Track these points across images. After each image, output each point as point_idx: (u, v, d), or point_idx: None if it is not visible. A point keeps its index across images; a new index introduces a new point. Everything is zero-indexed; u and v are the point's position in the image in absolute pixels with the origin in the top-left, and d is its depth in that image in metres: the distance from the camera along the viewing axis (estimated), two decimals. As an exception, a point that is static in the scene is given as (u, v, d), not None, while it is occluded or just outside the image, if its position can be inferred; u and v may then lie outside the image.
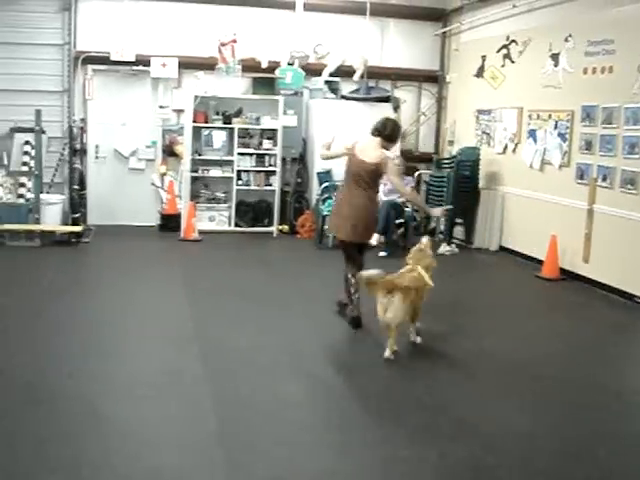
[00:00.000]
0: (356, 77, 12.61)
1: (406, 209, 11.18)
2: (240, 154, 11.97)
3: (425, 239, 6.93)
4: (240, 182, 12.08)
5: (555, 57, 9.93)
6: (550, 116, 10.01)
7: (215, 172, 12.09)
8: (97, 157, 12.46)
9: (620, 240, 8.64)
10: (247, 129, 12.12)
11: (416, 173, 12.38)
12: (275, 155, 12.08)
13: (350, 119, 12.01)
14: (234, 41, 11.85)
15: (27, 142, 11.46)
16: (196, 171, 11.95)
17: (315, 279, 9.12)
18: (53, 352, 6.04)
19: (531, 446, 4.63)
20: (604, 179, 8.90)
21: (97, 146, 12.43)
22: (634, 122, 8.41)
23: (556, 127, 9.87)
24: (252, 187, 12.20)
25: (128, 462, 4.17)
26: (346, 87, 12.64)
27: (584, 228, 9.20)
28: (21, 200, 11.32)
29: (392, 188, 11.14)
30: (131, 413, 4.88)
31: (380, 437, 4.65)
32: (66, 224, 11.39)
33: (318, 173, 11.98)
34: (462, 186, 11.28)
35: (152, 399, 5.15)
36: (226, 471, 4.12)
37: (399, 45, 13.14)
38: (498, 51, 11.40)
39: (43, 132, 11.07)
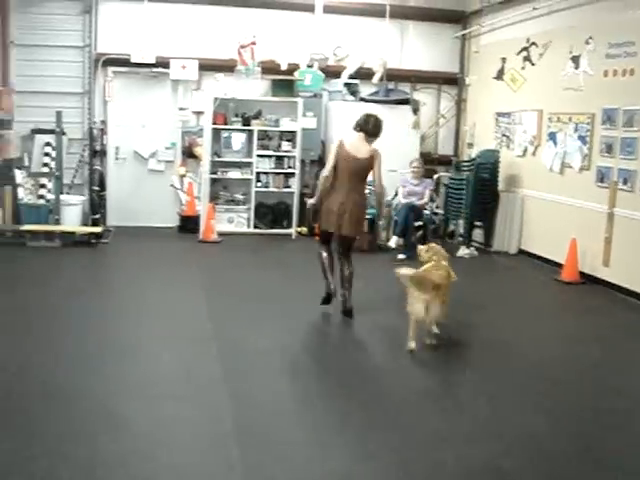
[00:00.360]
0: (375, 79, 12.60)
1: (425, 212, 11.15)
2: (259, 156, 11.99)
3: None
4: (259, 184, 12.10)
5: (576, 59, 9.87)
6: (570, 119, 9.95)
7: (234, 174, 12.12)
8: (117, 158, 12.54)
9: (641, 244, 8.60)
10: (266, 131, 12.14)
11: (435, 176, 12.35)
12: (294, 157, 12.09)
13: (369, 121, 12.02)
14: (254, 43, 11.91)
15: (48, 143, 11.53)
16: (215, 173, 11.98)
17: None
18: (71, 351, 6.07)
19: (548, 449, 4.60)
20: (625, 182, 8.83)
21: (117, 147, 12.51)
22: (655, 125, 8.37)
23: (576, 130, 9.81)
24: (271, 189, 12.21)
25: (143, 462, 4.18)
26: (365, 89, 12.62)
27: (604, 232, 9.15)
28: (41, 201, 11.40)
29: (411, 191, 11.19)
30: (147, 413, 4.89)
31: (397, 439, 4.64)
32: (86, 225, 11.46)
33: (337, 175, 11.95)
34: (481, 189, 11.24)
35: (168, 399, 5.16)
36: (242, 471, 4.12)
37: (418, 47, 13.12)
38: (518, 53, 11.35)
39: (64, 133, 11.13)
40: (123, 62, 12.09)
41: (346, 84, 12.48)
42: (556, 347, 6.90)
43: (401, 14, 12.76)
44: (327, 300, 7.59)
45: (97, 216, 11.69)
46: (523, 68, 11.29)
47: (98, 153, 12.05)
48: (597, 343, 7.13)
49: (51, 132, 11.16)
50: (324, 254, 7.62)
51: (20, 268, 9.33)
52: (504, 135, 11.82)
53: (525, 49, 11.19)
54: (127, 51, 12.01)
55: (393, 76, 12.81)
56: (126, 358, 6.00)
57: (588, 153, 9.57)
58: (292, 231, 12.19)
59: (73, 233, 10.83)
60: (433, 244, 7.24)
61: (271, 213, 12.35)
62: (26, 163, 11.70)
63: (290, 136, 12.12)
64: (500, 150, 11.68)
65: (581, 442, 4.77)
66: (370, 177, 7.50)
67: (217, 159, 11.95)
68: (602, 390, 5.80)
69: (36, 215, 11.11)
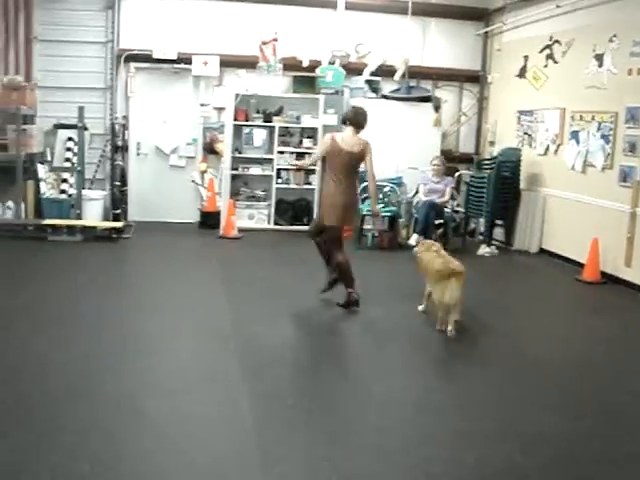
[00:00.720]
0: (397, 77, 12.57)
1: (446, 210, 11.12)
2: (280, 152, 12.01)
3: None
4: (280, 180, 12.11)
5: (599, 58, 9.80)
6: (593, 117, 9.89)
7: (255, 170, 12.15)
8: (138, 154, 12.58)
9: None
10: (287, 127, 12.15)
11: (456, 174, 12.30)
12: (315, 154, 12.05)
13: (391, 119, 12.02)
14: (275, 40, 11.91)
15: (70, 138, 11.62)
16: (236, 169, 12.01)
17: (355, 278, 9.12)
18: (92, 346, 6.09)
19: (569, 451, 4.58)
20: (648, 182, 8.79)
21: (138, 143, 12.55)
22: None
23: (599, 129, 9.75)
24: (292, 185, 12.22)
25: (163, 458, 4.19)
26: (387, 86, 12.60)
27: (626, 231, 9.08)
28: (63, 195, 11.49)
29: (432, 188, 11.16)
30: (169, 409, 4.90)
31: (420, 439, 4.63)
32: (107, 220, 11.50)
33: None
34: (503, 187, 11.17)
35: (189, 395, 5.18)
36: (263, 468, 4.12)
37: (440, 45, 13.08)
38: (541, 51, 11.29)
39: (86, 129, 11.19)
40: (145, 58, 12.14)
41: (368, 81, 12.46)
42: (575, 347, 6.86)
43: (423, 11, 12.71)
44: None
45: (118, 211, 11.73)
46: (546, 66, 11.22)
47: (120, 148, 12.09)
48: (617, 343, 7.09)
49: (73, 127, 11.22)
50: (341, 259, 7.67)
51: (41, 262, 9.38)
52: (526, 133, 11.76)
53: (548, 47, 11.12)
54: (149, 47, 12.06)
55: (415, 73, 12.77)
56: (146, 353, 6.02)
57: (611, 152, 9.51)
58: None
59: (94, 228, 10.88)
60: (426, 241, 7.94)
61: (292, 209, 12.36)
62: (48, 158, 11.80)
63: (311, 133, 12.13)
64: (522, 148, 11.62)
65: (599, 442, 4.74)
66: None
67: (238, 155, 11.97)
68: (621, 391, 5.76)
69: (58, 209, 11.18)
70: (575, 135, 10.35)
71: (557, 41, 10.90)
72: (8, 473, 3.89)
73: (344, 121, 7.76)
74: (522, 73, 11.92)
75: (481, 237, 11.65)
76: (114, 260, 9.98)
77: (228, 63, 12.32)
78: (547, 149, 11.11)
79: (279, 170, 12.04)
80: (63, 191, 11.54)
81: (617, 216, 9.25)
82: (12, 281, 8.21)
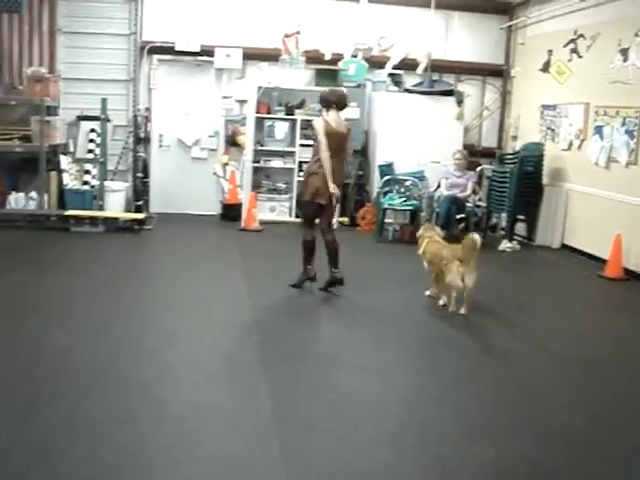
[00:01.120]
0: (420, 70, 12.53)
1: (467, 204, 11.08)
2: (302, 145, 11.99)
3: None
4: (301, 173, 12.07)
5: (624, 52, 9.71)
6: (618, 112, 9.81)
7: (277, 163, 12.16)
8: (160, 146, 12.63)
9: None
10: (309, 120, 12.12)
11: (478, 168, 12.23)
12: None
13: (413, 112, 12.00)
14: (298, 33, 11.91)
15: (93, 130, 11.66)
16: (258, 162, 12.02)
17: (374, 271, 9.11)
18: (114, 337, 6.12)
19: (589, 448, 4.55)
20: (673, 178, 8.72)
21: (161, 135, 12.59)
22: None
23: (624, 124, 9.67)
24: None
25: (187, 447, 4.21)
26: (409, 80, 12.55)
27: (650, 227, 9.04)
28: (86, 187, 11.54)
29: (453, 183, 11.13)
30: (191, 400, 4.92)
31: (439, 434, 4.62)
32: (129, 211, 11.55)
33: (380, 166, 11.95)
34: (525, 182, 11.10)
35: (211, 386, 5.20)
36: (282, 460, 4.13)
37: (464, 38, 13.01)
38: (565, 45, 11.21)
39: (108, 120, 11.25)
40: (168, 50, 12.17)
41: (390, 74, 12.42)
42: (597, 344, 6.81)
43: (446, 4, 12.65)
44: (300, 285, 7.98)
45: (140, 203, 11.79)
46: (570, 60, 11.14)
47: (142, 140, 12.17)
48: (638, 341, 7.04)
49: (96, 119, 11.28)
50: (310, 238, 7.94)
51: (64, 253, 9.44)
52: (549, 128, 11.69)
53: (572, 41, 11.04)
54: (172, 39, 12.09)
55: (437, 67, 12.71)
56: (167, 343, 6.04)
57: (635, 147, 9.43)
58: (334, 221, 12.15)
59: (116, 219, 10.93)
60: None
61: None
62: (71, 149, 11.86)
63: (333, 126, 12.09)
64: (545, 143, 11.55)
65: (621, 442, 4.70)
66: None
67: (260, 148, 11.98)
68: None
69: (80, 200, 11.24)
70: (599, 130, 10.27)
71: (582, 35, 10.81)
72: (31, 461, 3.92)
73: (327, 105, 7.86)
74: (546, 67, 11.84)
75: (503, 232, 11.59)
76: (136, 251, 10.04)
77: (251, 56, 12.33)
78: (570, 144, 11.04)
79: (301, 163, 12.03)
80: (86, 182, 11.60)
81: (641, 212, 9.19)
82: (35, 271, 8.26)
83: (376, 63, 12.58)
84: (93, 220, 10.74)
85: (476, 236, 7.19)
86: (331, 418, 4.76)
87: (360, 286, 8.04)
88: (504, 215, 11.52)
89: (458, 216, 10.97)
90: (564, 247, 11.09)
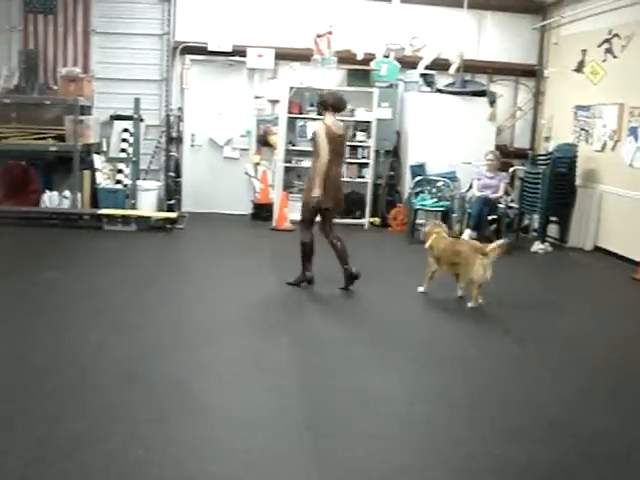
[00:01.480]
0: (452, 70, 12.48)
1: (499, 205, 11.02)
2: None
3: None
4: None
5: (660, 52, 9.63)
6: (653, 113, 9.72)
7: (308, 163, 12.14)
8: (192, 145, 12.70)
9: None
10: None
11: (511, 169, 12.14)
12: (368, 147, 12.08)
13: (445, 113, 11.97)
14: (330, 33, 11.91)
15: (126, 129, 11.76)
16: (289, 161, 12.05)
17: (405, 273, 9.08)
18: (146, 334, 6.17)
19: (621, 450, 4.51)
20: None
21: (193, 134, 12.67)
22: None
23: (659, 125, 9.58)
24: (344, 178, 12.17)
25: (217, 444, 4.23)
26: (441, 80, 12.51)
27: (685, 230, 8.93)
28: (119, 186, 11.63)
29: (485, 184, 11.07)
30: (222, 398, 4.95)
31: (469, 435, 4.60)
32: (161, 210, 11.63)
33: (411, 166, 11.93)
34: (558, 183, 11.01)
35: (242, 384, 5.23)
36: (314, 458, 4.13)
37: (496, 38, 12.94)
38: (599, 45, 11.10)
39: (141, 120, 11.35)
40: (200, 50, 12.24)
41: (422, 75, 12.39)
42: (628, 348, 6.73)
43: (479, 4, 12.59)
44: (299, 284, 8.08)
45: (172, 202, 11.87)
46: (604, 60, 11.03)
47: (174, 140, 12.26)
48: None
49: (129, 118, 11.38)
50: (308, 240, 8.13)
51: (96, 251, 9.54)
52: (583, 129, 11.59)
53: (607, 41, 10.93)
54: (204, 39, 12.16)
55: (470, 67, 12.65)
56: (198, 341, 6.07)
57: (670, 149, 9.34)
58: (365, 221, 12.17)
59: (149, 218, 11.01)
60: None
61: (344, 203, 12.32)
62: (104, 148, 11.97)
63: (365, 126, 12.11)
64: (578, 144, 11.45)
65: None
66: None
67: (292, 148, 12.00)
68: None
69: (113, 199, 11.33)
70: (634, 131, 10.17)
71: (616, 35, 10.71)
72: (63, 456, 3.96)
73: (325, 107, 7.92)
74: (580, 68, 11.74)
75: (535, 234, 11.50)
76: (168, 250, 10.10)
77: (283, 56, 12.36)
78: (604, 145, 10.93)
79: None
80: (118, 181, 11.69)
81: (676, 214, 9.09)
82: (67, 269, 8.34)
83: (408, 63, 12.55)
84: (125, 219, 10.83)
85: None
86: (362, 417, 4.76)
87: (390, 285, 8.02)
88: (536, 216, 11.43)
89: (490, 217, 10.91)
90: (597, 249, 10.99)
